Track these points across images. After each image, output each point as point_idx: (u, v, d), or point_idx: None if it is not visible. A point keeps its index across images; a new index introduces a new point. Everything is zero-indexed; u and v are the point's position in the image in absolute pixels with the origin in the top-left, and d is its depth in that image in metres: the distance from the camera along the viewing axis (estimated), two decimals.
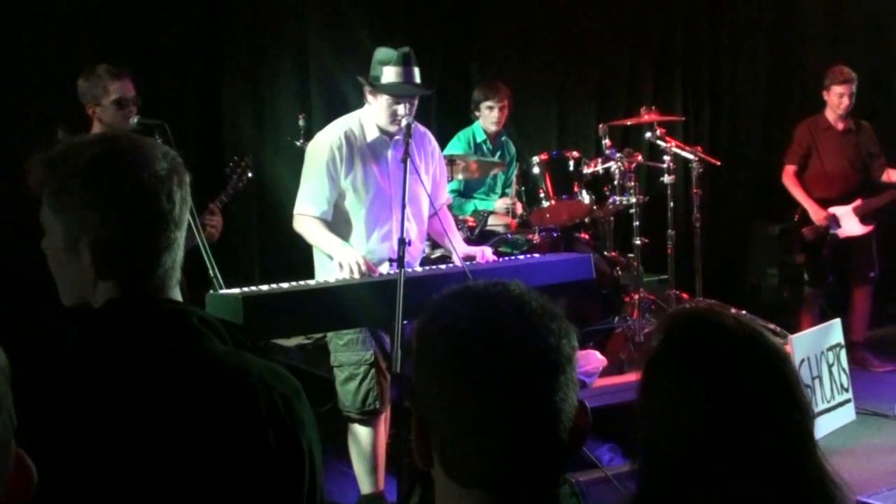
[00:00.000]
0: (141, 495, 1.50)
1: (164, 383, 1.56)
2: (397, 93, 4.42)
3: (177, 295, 1.69)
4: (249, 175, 5.17)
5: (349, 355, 4.44)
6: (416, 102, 4.52)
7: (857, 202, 6.92)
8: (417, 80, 4.48)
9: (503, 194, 6.70)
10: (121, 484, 1.49)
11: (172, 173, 1.65)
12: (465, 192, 6.71)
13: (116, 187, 1.60)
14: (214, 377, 1.59)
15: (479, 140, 6.72)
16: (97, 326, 1.63)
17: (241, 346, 1.69)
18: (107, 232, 1.61)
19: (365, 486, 4.53)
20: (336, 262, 4.36)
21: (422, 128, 4.74)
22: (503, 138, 6.88)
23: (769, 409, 1.60)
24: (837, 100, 6.91)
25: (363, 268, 4.30)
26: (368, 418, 4.45)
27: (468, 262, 4.65)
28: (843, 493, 1.62)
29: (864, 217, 6.94)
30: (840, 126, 7.01)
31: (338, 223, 4.54)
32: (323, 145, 4.52)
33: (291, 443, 1.59)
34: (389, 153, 4.57)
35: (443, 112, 7.20)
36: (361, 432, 4.48)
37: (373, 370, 4.41)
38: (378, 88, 4.44)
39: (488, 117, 6.69)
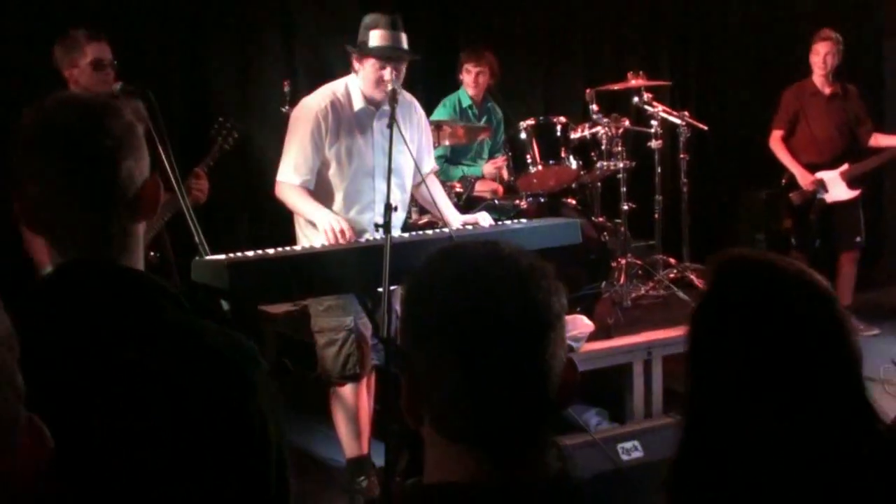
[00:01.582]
0: (81, 470, 1.48)
1: (106, 351, 1.53)
2: (383, 55, 4.38)
3: (131, 261, 1.67)
4: (235, 136, 5.07)
5: (329, 321, 4.45)
6: (403, 70, 4.48)
7: (845, 167, 6.93)
8: (405, 45, 4.45)
9: (492, 159, 6.69)
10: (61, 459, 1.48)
11: (103, 135, 1.62)
12: (452, 159, 6.69)
13: (40, 148, 1.61)
14: (161, 345, 1.56)
15: (464, 105, 6.70)
16: (42, 291, 1.63)
17: (203, 313, 1.67)
18: (33, 192, 1.62)
19: (350, 451, 4.55)
20: (321, 229, 4.34)
21: (408, 96, 4.70)
22: (489, 104, 6.86)
23: (823, 348, 1.58)
24: (818, 59, 6.89)
25: (347, 234, 4.29)
26: (349, 383, 4.46)
27: (464, 228, 4.66)
28: (893, 433, 1.61)
29: (851, 182, 6.95)
30: (827, 91, 7.00)
31: (318, 193, 4.51)
32: (308, 113, 4.48)
33: (240, 411, 1.56)
34: (375, 123, 4.54)
35: (430, 81, 7.15)
36: (343, 397, 4.49)
37: (352, 335, 4.43)
38: (365, 52, 4.40)
39: (466, 80, 6.70)
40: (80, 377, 1.52)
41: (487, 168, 6.52)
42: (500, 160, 6.39)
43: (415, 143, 4.63)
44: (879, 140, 7.07)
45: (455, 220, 4.77)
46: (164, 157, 3.85)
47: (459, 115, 6.63)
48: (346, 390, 4.49)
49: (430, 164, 4.92)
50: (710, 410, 1.62)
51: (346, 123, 4.48)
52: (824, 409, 1.56)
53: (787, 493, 1.55)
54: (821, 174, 6.93)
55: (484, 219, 4.81)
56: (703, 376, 1.65)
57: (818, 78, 6.99)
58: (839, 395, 1.57)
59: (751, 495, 1.56)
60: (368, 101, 4.51)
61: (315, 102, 4.51)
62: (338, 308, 4.44)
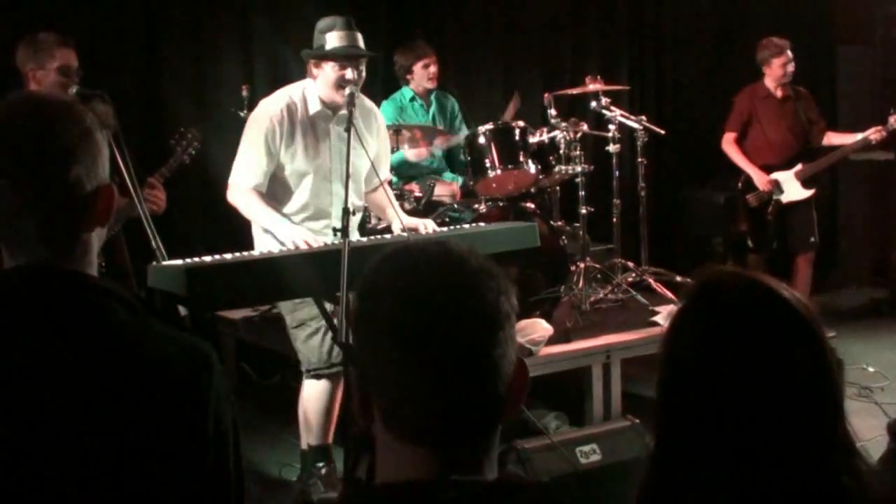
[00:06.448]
0: (27, 473, 1.47)
1: (52, 354, 1.51)
2: (342, 54, 4.37)
3: (82, 267, 1.63)
4: (196, 146, 4.97)
5: (308, 311, 4.36)
6: (362, 71, 4.48)
7: (799, 167, 7.02)
8: (361, 45, 4.45)
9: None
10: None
11: (53, 138, 1.59)
12: (402, 172, 6.50)
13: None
14: (109, 348, 1.54)
15: (407, 98, 6.66)
16: None
17: (156, 316, 1.64)
18: None
19: (315, 439, 4.44)
20: (285, 243, 4.30)
21: (368, 102, 4.71)
22: (434, 92, 6.81)
23: (806, 373, 1.49)
24: (781, 69, 7.01)
25: (309, 245, 4.25)
26: (336, 372, 4.35)
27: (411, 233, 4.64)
28: (869, 468, 1.53)
29: (805, 181, 7.04)
30: (779, 93, 7.10)
31: (274, 195, 4.50)
32: (263, 117, 4.48)
33: (191, 414, 1.55)
34: (332, 128, 4.53)
35: (390, 90, 7.12)
36: (323, 387, 4.37)
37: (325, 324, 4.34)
38: (323, 56, 4.40)
39: (423, 75, 6.65)
40: (26, 381, 1.50)
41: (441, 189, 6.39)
42: (456, 184, 6.40)
43: (373, 151, 4.63)
44: (832, 138, 7.19)
45: (398, 226, 4.72)
46: (121, 162, 3.84)
47: (405, 109, 6.59)
48: (325, 382, 4.40)
49: (385, 172, 4.91)
50: (679, 440, 1.53)
51: (301, 127, 4.48)
52: (798, 449, 1.47)
53: None
54: (776, 175, 7.02)
55: (426, 225, 4.75)
56: (672, 399, 1.55)
57: (771, 81, 7.09)
58: (816, 434, 1.48)
59: None
60: (326, 105, 4.50)
61: (271, 108, 4.50)
62: (307, 300, 4.37)
